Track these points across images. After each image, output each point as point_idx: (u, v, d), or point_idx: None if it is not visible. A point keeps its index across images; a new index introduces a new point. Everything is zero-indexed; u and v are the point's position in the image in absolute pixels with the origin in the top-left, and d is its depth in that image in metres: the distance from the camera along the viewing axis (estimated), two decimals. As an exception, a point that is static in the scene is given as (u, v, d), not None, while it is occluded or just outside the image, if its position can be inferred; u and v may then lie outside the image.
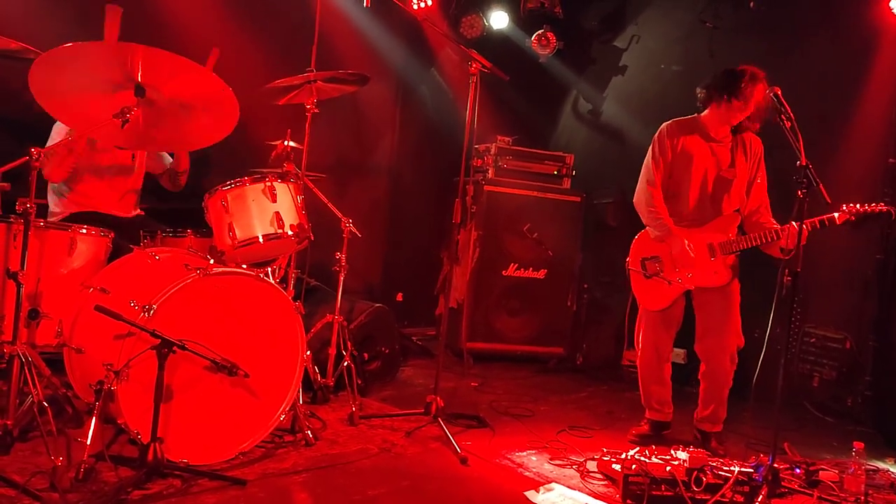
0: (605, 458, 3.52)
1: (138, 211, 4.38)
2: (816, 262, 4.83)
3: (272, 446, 3.43)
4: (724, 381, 4.04)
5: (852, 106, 5.24)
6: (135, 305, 2.99)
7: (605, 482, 3.46)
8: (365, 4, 4.58)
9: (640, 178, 4.14)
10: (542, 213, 6.00)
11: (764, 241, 3.87)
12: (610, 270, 5.94)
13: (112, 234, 3.55)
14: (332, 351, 4.23)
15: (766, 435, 3.59)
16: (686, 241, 3.93)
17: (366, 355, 4.63)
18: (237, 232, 3.53)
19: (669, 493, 3.18)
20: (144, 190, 4.43)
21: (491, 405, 4.64)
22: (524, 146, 6.21)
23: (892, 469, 4.07)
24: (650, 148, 4.11)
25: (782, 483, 3.40)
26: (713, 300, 4.02)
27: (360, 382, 4.29)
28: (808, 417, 5.07)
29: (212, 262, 3.30)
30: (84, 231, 3.42)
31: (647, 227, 4.11)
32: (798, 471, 3.59)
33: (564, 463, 3.69)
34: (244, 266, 3.42)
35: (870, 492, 3.49)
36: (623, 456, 3.38)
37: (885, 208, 3.66)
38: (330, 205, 4.28)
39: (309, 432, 3.55)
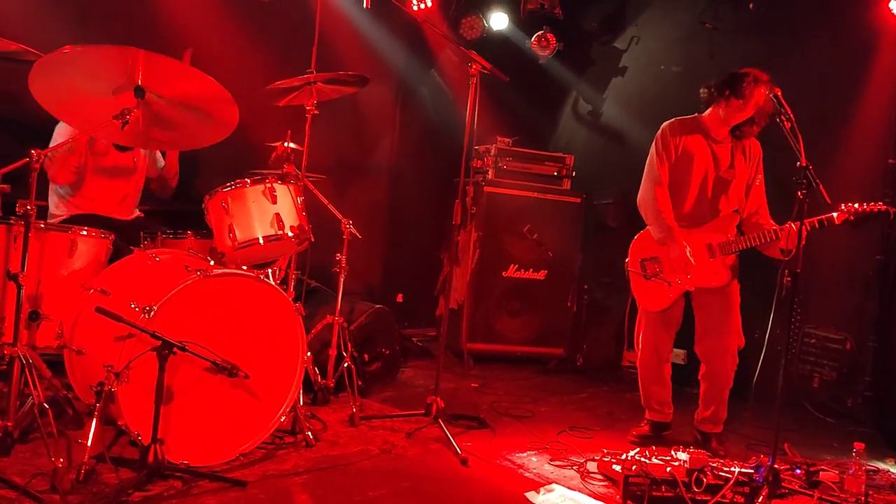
0: (606, 459, 3.52)
1: (138, 213, 4.39)
2: (816, 263, 4.83)
3: (273, 447, 3.43)
4: (725, 381, 4.04)
5: (852, 107, 5.25)
6: (135, 307, 2.99)
7: (606, 483, 3.46)
8: (365, 6, 4.59)
9: (644, 178, 4.13)
10: (542, 214, 6.00)
11: (763, 241, 3.87)
12: (610, 271, 5.94)
13: (112, 235, 3.55)
14: (333, 352, 4.23)
15: (767, 435, 3.60)
16: (687, 248, 3.93)
17: (366, 356, 4.63)
18: (237, 233, 3.54)
19: (670, 494, 3.18)
20: (144, 192, 4.44)
21: (491, 406, 4.64)
22: (524, 147, 6.21)
23: (892, 469, 4.07)
24: (653, 147, 4.10)
25: (783, 484, 3.39)
26: (713, 301, 4.02)
27: (360, 383, 4.29)
28: (809, 418, 5.06)
29: (212, 263, 3.32)
30: (84, 233, 3.42)
31: (650, 227, 4.10)
32: (798, 471, 3.59)
33: (565, 464, 3.69)
34: (244, 267, 3.42)
35: (870, 492, 3.48)
36: (623, 457, 3.38)
37: (883, 208, 3.66)
38: (330, 206, 4.29)
39: (309, 433, 3.55)
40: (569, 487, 3.35)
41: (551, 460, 3.73)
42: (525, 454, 3.79)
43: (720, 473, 3.26)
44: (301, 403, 3.65)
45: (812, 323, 5.33)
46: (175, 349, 2.85)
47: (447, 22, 6.61)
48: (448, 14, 6.62)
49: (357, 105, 6.28)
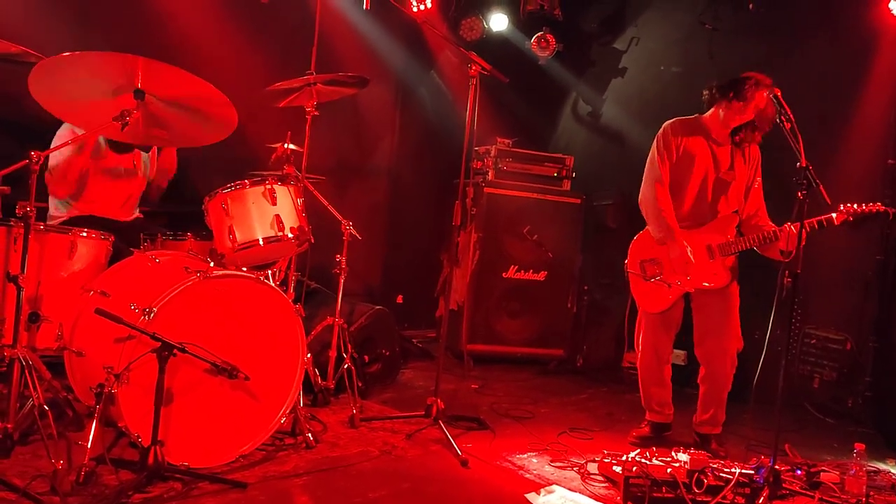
0: (606, 460, 3.51)
1: (138, 214, 4.38)
2: (816, 264, 4.83)
3: (273, 449, 3.43)
4: (724, 384, 4.04)
5: (852, 107, 5.25)
6: (135, 308, 2.99)
7: (606, 484, 3.46)
8: (364, 7, 4.59)
9: (645, 177, 4.12)
10: (542, 214, 6.00)
11: (762, 241, 3.87)
12: (610, 272, 5.94)
13: (112, 237, 3.55)
14: (333, 353, 4.23)
15: (767, 436, 3.59)
16: (688, 248, 3.92)
17: (366, 357, 4.63)
18: (237, 235, 3.53)
19: (670, 495, 3.18)
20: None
21: (491, 407, 4.64)
22: (524, 148, 6.22)
23: (892, 470, 4.07)
24: (654, 146, 4.09)
25: (783, 485, 3.39)
26: (712, 302, 4.01)
27: (360, 385, 4.28)
28: (809, 419, 5.06)
29: (212, 264, 3.31)
30: (84, 234, 3.42)
31: (650, 227, 4.10)
32: (799, 472, 3.58)
33: (565, 465, 3.68)
34: (244, 269, 3.42)
35: (871, 493, 3.48)
36: (624, 458, 3.38)
37: (882, 208, 3.66)
38: (330, 207, 4.28)
39: (309, 435, 3.54)
40: (569, 489, 3.35)
41: (552, 461, 3.73)
42: (525, 455, 3.79)
43: (721, 474, 3.26)
44: (301, 405, 3.64)
45: (812, 323, 5.33)
46: (175, 351, 2.85)
47: (447, 23, 6.61)
48: (448, 15, 6.63)
49: (357, 106, 6.29)
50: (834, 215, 3.69)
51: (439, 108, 6.84)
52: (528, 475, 3.52)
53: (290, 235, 3.61)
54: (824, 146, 4.90)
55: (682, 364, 5.16)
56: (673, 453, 3.35)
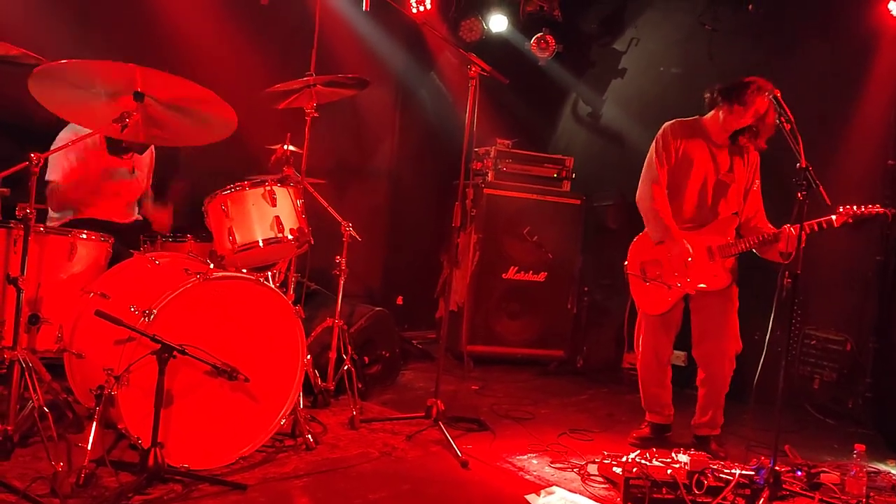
0: (606, 462, 3.51)
1: (137, 216, 4.38)
2: (816, 264, 4.82)
3: (273, 451, 3.43)
4: (722, 386, 4.04)
5: (852, 108, 5.25)
6: (135, 310, 2.99)
7: (606, 485, 3.46)
8: (364, 8, 4.59)
9: (642, 177, 4.12)
10: (542, 215, 6.00)
11: (762, 243, 3.86)
12: (610, 273, 5.94)
13: (112, 238, 3.55)
14: (333, 355, 4.23)
15: (767, 437, 3.59)
16: (687, 244, 3.92)
17: (366, 359, 4.63)
18: (237, 236, 3.53)
19: (670, 496, 3.18)
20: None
21: (491, 408, 4.64)
22: (524, 149, 6.22)
23: (893, 471, 4.06)
24: (653, 146, 4.10)
25: (783, 486, 3.40)
26: (712, 304, 4.01)
27: (360, 386, 4.28)
28: (809, 419, 5.06)
29: (212, 266, 3.31)
30: (84, 236, 3.42)
31: (647, 227, 4.09)
32: (799, 473, 3.58)
33: (565, 466, 3.68)
34: (244, 270, 3.42)
35: (871, 494, 3.48)
36: (624, 459, 3.38)
37: (881, 210, 3.66)
38: (330, 209, 4.28)
39: (309, 436, 3.54)
40: (569, 490, 3.35)
41: (552, 462, 3.72)
42: (525, 456, 3.79)
43: (721, 475, 3.26)
44: (301, 406, 3.64)
45: (812, 324, 5.33)
46: (175, 352, 2.85)
47: (446, 24, 6.62)
48: (447, 16, 6.63)
49: (357, 108, 6.29)
50: (833, 217, 3.69)
51: (439, 109, 6.85)
52: (528, 476, 3.52)
53: (290, 237, 3.61)
54: (824, 147, 4.90)
55: (682, 365, 5.16)
56: (673, 454, 3.35)
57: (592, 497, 3.31)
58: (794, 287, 3.31)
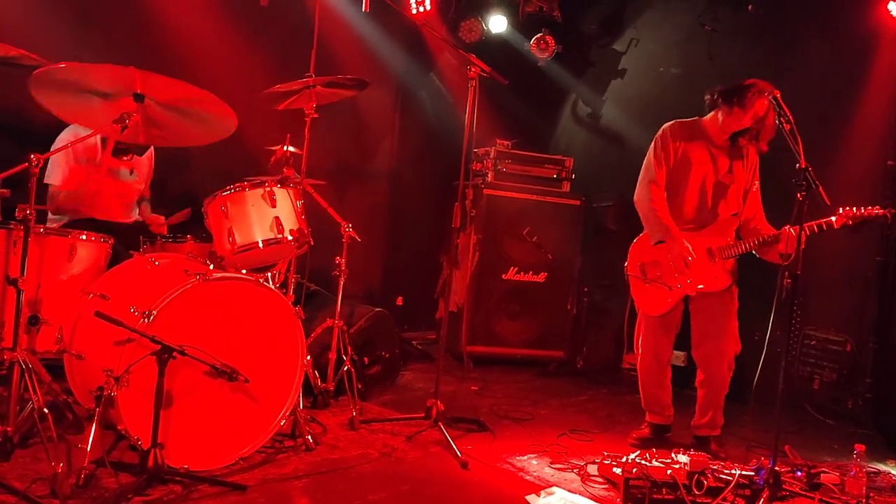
0: (606, 462, 3.51)
1: (137, 216, 4.38)
2: (816, 265, 4.82)
3: (272, 451, 3.43)
4: (721, 387, 4.04)
5: (851, 108, 5.25)
6: (134, 311, 2.99)
7: (606, 486, 3.45)
8: (363, 9, 4.59)
9: (640, 177, 4.12)
10: (542, 216, 6.00)
11: (762, 244, 3.86)
12: (610, 274, 5.94)
13: (112, 239, 3.55)
14: (333, 355, 4.23)
15: (767, 438, 3.59)
16: (687, 243, 3.92)
17: (366, 359, 4.63)
18: (237, 237, 3.53)
19: (670, 497, 3.18)
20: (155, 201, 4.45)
21: (491, 409, 4.64)
22: (523, 150, 6.22)
23: (892, 471, 4.06)
24: (652, 147, 4.10)
25: (783, 486, 3.40)
26: (712, 305, 4.01)
27: (360, 387, 4.29)
28: (809, 420, 5.06)
29: (211, 267, 3.31)
30: (84, 237, 3.43)
31: (646, 227, 4.09)
32: (799, 474, 3.58)
33: (565, 467, 3.68)
34: (244, 271, 3.42)
35: (871, 494, 3.48)
36: (624, 459, 3.38)
37: (881, 212, 3.66)
38: (330, 209, 4.28)
39: (309, 437, 3.54)
40: (569, 490, 3.34)
41: (552, 463, 3.72)
42: (525, 457, 3.79)
43: (721, 476, 3.27)
44: (301, 407, 3.65)
45: (812, 325, 5.33)
46: (174, 353, 2.85)
47: (446, 25, 6.61)
48: (447, 17, 6.63)
49: (356, 108, 6.29)
50: (833, 219, 3.69)
51: (439, 110, 6.85)
52: (528, 477, 3.52)
53: (290, 238, 3.61)
54: (824, 147, 4.90)
55: (682, 365, 5.16)
56: (673, 455, 3.35)
57: (592, 497, 3.31)
58: (794, 287, 3.31)
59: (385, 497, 3.12)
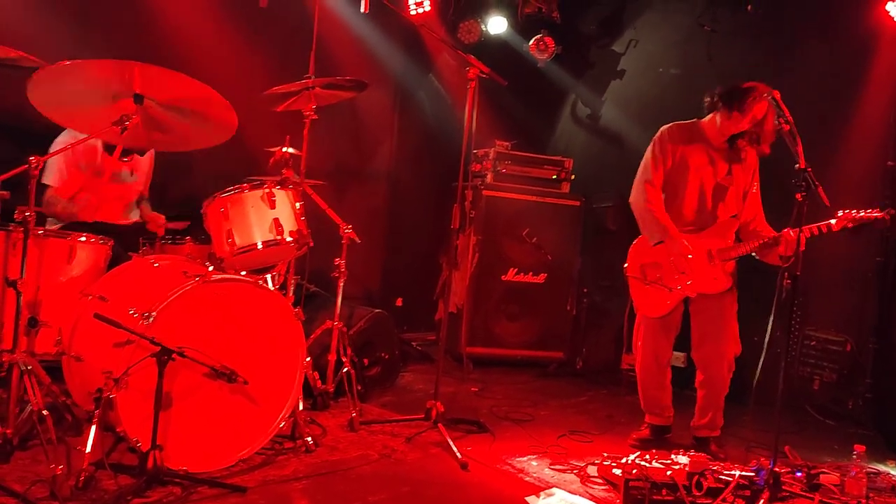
0: (606, 463, 3.51)
1: (137, 218, 4.38)
2: (816, 265, 4.82)
3: (272, 453, 3.43)
4: (721, 388, 4.04)
5: (851, 109, 5.25)
6: (134, 313, 2.99)
7: (606, 487, 3.45)
8: (363, 10, 4.60)
9: (636, 178, 4.12)
10: (541, 217, 6.00)
11: (762, 247, 3.86)
12: (609, 274, 5.93)
13: (111, 241, 3.55)
14: (332, 357, 4.23)
15: (767, 438, 3.59)
16: (686, 242, 3.92)
17: (365, 361, 4.62)
18: (236, 239, 3.53)
19: (670, 498, 3.18)
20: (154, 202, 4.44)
21: (491, 410, 4.63)
22: (523, 151, 6.22)
23: (893, 472, 4.06)
24: (649, 149, 4.10)
25: (783, 487, 3.40)
26: (711, 306, 4.01)
27: (359, 388, 4.28)
28: (809, 420, 5.06)
29: (211, 269, 3.31)
30: (83, 239, 3.42)
31: (643, 230, 4.08)
32: (799, 474, 3.58)
33: (565, 468, 3.68)
34: (243, 273, 3.41)
35: (871, 495, 3.48)
36: (624, 460, 3.38)
37: (880, 215, 3.66)
38: (329, 211, 4.28)
39: (309, 439, 3.54)
40: (569, 491, 3.34)
41: (551, 464, 3.72)
42: (525, 458, 3.78)
43: (721, 477, 3.26)
44: (300, 408, 3.64)
45: (812, 325, 5.33)
46: (174, 355, 2.85)
47: (445, 26, 6.61)
48: (446, 18, 6.63)
49: (355, 110, 6.29)
50: (833, 222, 3.70)
51: (438, 111, 6.85)
52: (527, 478, 3.51)
53: (289, 239, 3.60)
54: (823, 148, 4.90)
55: (682, 366, 5.16)
56: (673, 456, 3.35)
57: (592, 499, 3.31)
58: (794, 288, 3.31)
59: (385, 498, 3.12)
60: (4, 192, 3.12)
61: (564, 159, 6.28)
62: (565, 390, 5.45)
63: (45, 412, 2.96)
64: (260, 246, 3.55)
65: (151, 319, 2.95)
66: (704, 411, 4.08)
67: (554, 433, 4.22)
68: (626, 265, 4.19)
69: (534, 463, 3.73)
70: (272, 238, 3.57)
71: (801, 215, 3.31)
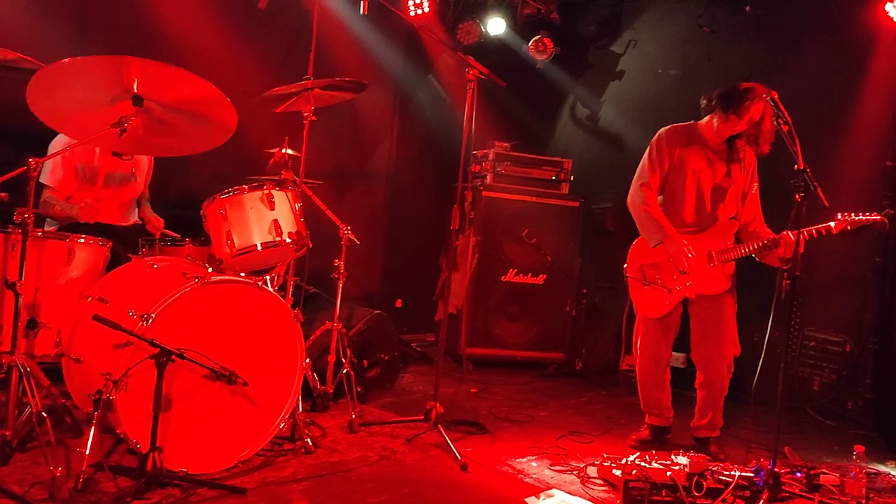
0: (606, 464, 3.51)
1: (136, 219, 4.38)
2: (816, 266, 4.84)
3: (272, 454, 3.43)
4: (721, 389, 4.04)
5: (850, 109, 5.25)
6: (133, 314, 2.98)
7: (606, 488, 3.45)
8: (362, 12, 4.59)
9: (634, 180, 4.13)
10: (541, 218, 6.00)
11: (761, 248, 3.86)
12: (609, 275, 5.94)
13: (110, 242, 3.55)
14: (332, 358, 4.23)
15: (767, 439, 3.60)
16: (684, 241, 3.92)
17: (365, 362, 4.63)
18: (235, 240, 3.52)
19: (670, 499, 3.18)
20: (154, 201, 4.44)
21: (491, 411, 4.63)
22: (522, 152, 6.22)
23: (892, 472, 4.06)
24: (647, 152, 4.11)
25: (783, 487, 3.40)
26: (710, 308, 4.01)
27: (359, 389, 4.28)
28: (809, 421, 5.06)
29: (210, 270, 3.31)
30: (82, 240, 3.42)
31: (641, 231, 4.08)
32: (799, 475, 3.58)
33: (565, 469, 3.68)
34: (242, 274, 3.41)
35: (871, 495, 3.48)
36: (623, 461, 3.38)
37: (879, 218, 3.66)
38: (328, 212, 4.28)
39: (308, 440, 3.54)
40: (569, 493, 3.34)
41: (551, 465, 3.72)
42: (525, 459, 3.78)
43: (720, 477, 3.26)
44: (300, 410, 3.64)
45: (811, 325, 5.33)
46: (173, 357, 2.85)
47: (444, 27, 6.62)
48: (445, 19, 6.63)
49: (355, 111, 6.29)
50: (832, 224, 3.70)
51: (437, 112, 6.85)
52: (527, 479, 3.51)
53: (289, 240, 3.60)
54: (822, 149, 4.90)
55: (682, 367, 5.16)
56: (672, 456, 3.35)
57: (592, 500, 3.31)
58: (794, 288, 3.31)
59: (384, 500, 3.12)
60: (3, 194, 3.12)
61: (564, 160, 6.28)
62: (565, 391, 5.45)
63: (44, 414, 2.96)
64: (259, 247, 3.55)
65: (151, 321, 2.94)
66: (704, 412, 4.08)
67: (554, 434, 4.22)
68: (625, 266, 4.19)
69: (534, 464, 3.73)
70: (271, 239, 3.57)
71: (799, 216, 3.31)
